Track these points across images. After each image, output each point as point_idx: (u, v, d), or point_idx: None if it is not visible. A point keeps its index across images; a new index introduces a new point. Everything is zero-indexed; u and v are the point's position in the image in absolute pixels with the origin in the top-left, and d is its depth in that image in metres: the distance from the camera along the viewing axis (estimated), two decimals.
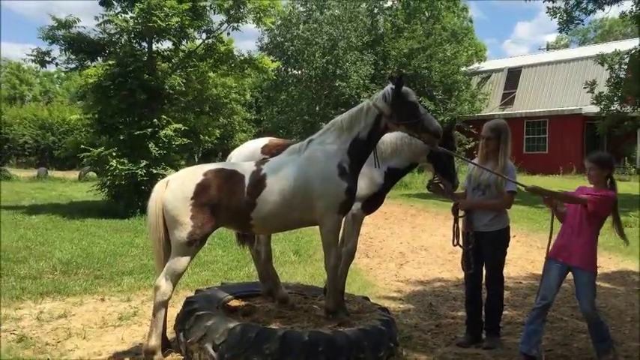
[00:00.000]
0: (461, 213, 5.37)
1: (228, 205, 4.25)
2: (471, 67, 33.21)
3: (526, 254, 9.95)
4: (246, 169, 4.40)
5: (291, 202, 4.29)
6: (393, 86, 4.36)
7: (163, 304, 4.35)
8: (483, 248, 5.25)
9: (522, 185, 4.96)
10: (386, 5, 32.05)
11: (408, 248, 10.59)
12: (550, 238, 4.93)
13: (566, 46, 52.70)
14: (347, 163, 4.37)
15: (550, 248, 4.92)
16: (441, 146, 4.73)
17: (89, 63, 15.16)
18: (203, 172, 4.33)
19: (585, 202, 4.68)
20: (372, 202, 5.06)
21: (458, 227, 5.42)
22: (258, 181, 4.30)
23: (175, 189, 4.30)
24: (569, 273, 4.82)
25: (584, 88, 21.49)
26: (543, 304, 4.82)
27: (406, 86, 4.45)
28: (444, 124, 5.13)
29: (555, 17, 20.10)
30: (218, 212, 4.26)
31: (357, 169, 4.47)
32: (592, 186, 4.81)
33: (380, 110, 4.37)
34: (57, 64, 15.52)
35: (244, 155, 5.11)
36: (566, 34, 33.20)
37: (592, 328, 4.80)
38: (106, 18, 14.53)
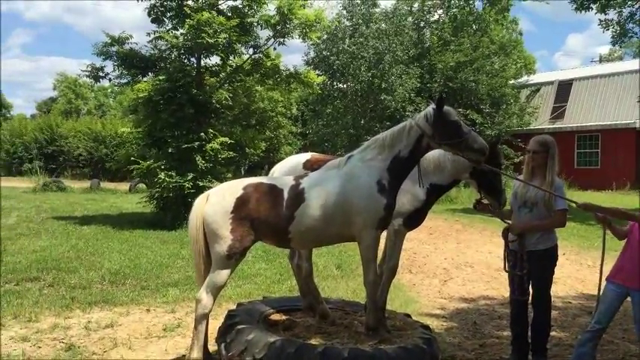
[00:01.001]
0: (512, 237, 5.16)
1: (266, 218, 4.29)
2: (519, 80, 32.58)
3: (576, 273, 9.64)
4: (285, 183, 4.44)
5: (330, 217, 4.30)
6: (435, 106, 4.32)
7: (204, 317, 4.40)
8: (531, 267, 5.09)
9: (573, 202, 4.80)
10: (432, 19, 31.90)
11: (452, 264, 10.42)
12: (602, 257, 4.75)
13: (620, 58, 51.13)
14: (386, 180, 4.35)
15: (609, 269, 4.72)
16: (486, 163, 4.63)
17: (140, 78, 15.61)
18: (243, 186, 4.39)
19: (637, 219, 4.51)
20: (414, 218, 5.01)
21: (509, 251, 5.23)
22: (297, 195, 4.32)
23: (215, 203, 4.36)
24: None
25: (638, 101, 20.84)
26: (597, 328, 4.63)
27: (450, 102, 4.40)
28: (490, 140, 5.00)
29: (608, 30, 19.60)
30: (257, 226, 4.31)
31: (397, 186, 4.44)
32: None
33: (422, 130, 4.34)
34: (110, 80, 16.06)
35: (287, 170, 5.15)
36: (620, 46, 32.17)
37: None
38: (157, 34, 14.99)
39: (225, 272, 4.37)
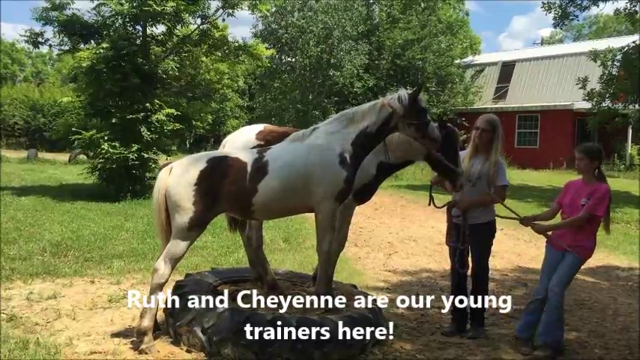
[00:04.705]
0: (456, 212, 5.32)
1: (230, 191, 4.33)
2: (465, 60, 33.21)
3: (513, 247, 10.06)
4: (249, 156, 4.49)
5: (292, 188, 4.39)
6: (409, 91, 4.52)
7: (160, 287, 4.43)
8: (472, 240, 5.29)
9: (516, 216, 5.23)
10: None
11: (396, 239, 10.67)
12: None
13: (560, 41, 52.79)
14: (349, 153, 4.47)
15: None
16: (442, 148, 4.83)
17: (82, 45, 15.05)
18: (207, 160, 4.42)
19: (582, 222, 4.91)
20: (364, 193, 5.11)
21: (453, 225, 5.39)
22: (261, 167, 4.38)
23: (179, 175, 4.38)
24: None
25: (577, 84, 21.55)
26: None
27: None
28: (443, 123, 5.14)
29: (550, 12, 20.15)
30: (220, 199, 4.34)
31: (359, 161, 4.56)
32: (580, 177, 4.96)
33: (393, 109, 4.48)
34: (50, 46, 15.48)
35: (240, 142, 5.13)
36: (561, 29, 33.19)
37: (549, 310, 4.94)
38: (101, 1, 14.41)
39: (185, 244, 4.40)
